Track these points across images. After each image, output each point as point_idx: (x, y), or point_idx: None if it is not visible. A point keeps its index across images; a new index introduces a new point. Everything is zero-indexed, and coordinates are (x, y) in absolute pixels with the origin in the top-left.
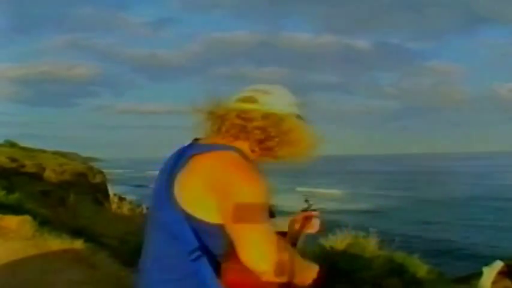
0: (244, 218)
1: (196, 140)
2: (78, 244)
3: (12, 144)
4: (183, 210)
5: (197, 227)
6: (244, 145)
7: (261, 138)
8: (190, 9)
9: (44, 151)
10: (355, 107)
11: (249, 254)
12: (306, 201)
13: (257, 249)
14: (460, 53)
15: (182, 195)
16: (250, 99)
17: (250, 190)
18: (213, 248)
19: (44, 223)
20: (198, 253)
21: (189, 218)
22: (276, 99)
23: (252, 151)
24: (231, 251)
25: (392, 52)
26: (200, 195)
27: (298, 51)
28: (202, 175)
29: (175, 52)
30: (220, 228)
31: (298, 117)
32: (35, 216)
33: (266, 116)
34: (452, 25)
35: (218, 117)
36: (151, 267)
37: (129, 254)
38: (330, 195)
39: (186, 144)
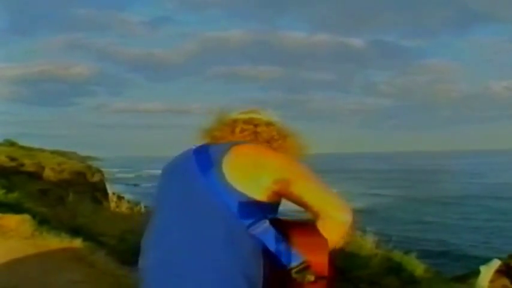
0: (308, 179)
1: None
2: (77, 243)
3: (11, 143)
4: (240, 193)
5: (252, 206)
6: None
7: (267, 139)
8: (186, 8)
9: (42, 150)
10: (350, 105)
11: (333, 210)
12: None
13: (337, 204)
14: (454, 50)
15: (234, 180)
16: (254, 112)
17: (293, 162)
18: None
19: (43, 222)
20: (257, 225)
21: (245, 198)
22: (272, 115)
23: None
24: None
25: (387, 50)
26: (253, 175)
27: (293, 50)
28: (251, 158)
29: (171, 51)
30: (273, 204)
31: None
32: (34, 215)
33: (269, 123)
34: (447, 23)
35: (228, 124)
36: (189, 254)
37: (128, 252)
38: None
39: (196, 146)
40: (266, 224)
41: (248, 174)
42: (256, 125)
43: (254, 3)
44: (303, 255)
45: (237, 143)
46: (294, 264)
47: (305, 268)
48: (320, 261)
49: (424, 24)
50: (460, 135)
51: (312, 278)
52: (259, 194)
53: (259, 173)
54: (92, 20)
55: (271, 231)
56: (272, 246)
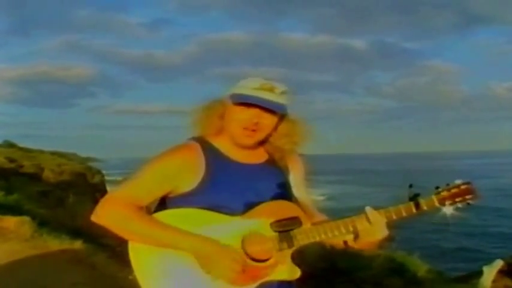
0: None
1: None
2: (77, 245)
3: (10, 145)
4: None
5: None
6: None
7: None
8: (186, 10)
9: (42, 151)
10: (352, 106)
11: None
12: (410, 186)
13: (102, 200)
14: (456, 52)
15: None
16: None
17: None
18: None
19: (43, 224)
20: None
21: None
22: None
23: None
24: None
25: (389, 51)
26: None
27: (294, 51)
28: None
29: (171, 53)
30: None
31: None
32: (33, 216)
33: None
34: (449, 25)
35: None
36: None
37: (128, 254)
38: (328, 194)
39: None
40: None
41: None
42: None
43: (255, 5)
44: None
45: None
46: None
47: None
48: None
49: (426, 25)
50: (462, 136)
51: None
52: None
53: None
54: (92, 21)
55: None
56: None
